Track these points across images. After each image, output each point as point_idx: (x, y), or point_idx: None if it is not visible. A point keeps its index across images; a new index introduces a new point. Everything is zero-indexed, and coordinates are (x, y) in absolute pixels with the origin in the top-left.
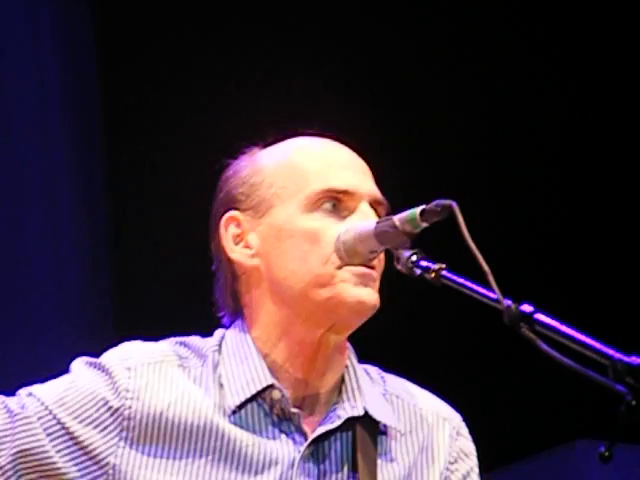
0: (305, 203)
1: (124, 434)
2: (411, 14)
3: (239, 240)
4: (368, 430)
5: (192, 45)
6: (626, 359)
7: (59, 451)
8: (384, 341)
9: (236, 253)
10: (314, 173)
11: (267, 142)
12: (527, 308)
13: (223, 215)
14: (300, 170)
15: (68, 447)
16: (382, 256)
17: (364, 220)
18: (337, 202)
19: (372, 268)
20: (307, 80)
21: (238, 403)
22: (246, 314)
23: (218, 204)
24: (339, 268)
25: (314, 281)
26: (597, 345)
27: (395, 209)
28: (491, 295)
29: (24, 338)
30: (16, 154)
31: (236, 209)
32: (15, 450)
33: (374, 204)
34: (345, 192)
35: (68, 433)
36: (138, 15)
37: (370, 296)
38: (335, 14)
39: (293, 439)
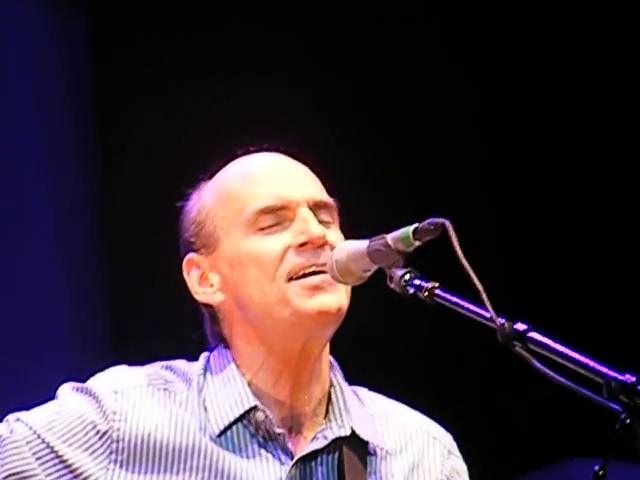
0: (245, 226)
1: (113, 456)
2: (393, 27)
3: (202, 281)
4: (356, 450)
5: (174, 50)
6: (620, 377)
7: (49, 475)
8: (372, 362)
9: (200, 295)
10: (246, 196)
11: (211, 173)
12: (521, 326)
13: (182, 261)
14: (233, 196)
15: (58, 470)
16: (336, 241)
17: (305, 225)
18: (276, 216)
19: (320, 273)
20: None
21: (222, 427)
22: (230, 346)
23: (180, 249)
24: (288, 281)
25: (271, 301)
26: (591, 363)
27: (388, 228)
28: (485, 313)
29: (18, 358)
30: (21, 177)
31: (192, 251)
32: (5, 474)
33: (314, 207)
34: (282, 208)
35: (57, 457)
36: (131, 15)
37: (330, 301)
38: (315, 31)
39: (279, 459)
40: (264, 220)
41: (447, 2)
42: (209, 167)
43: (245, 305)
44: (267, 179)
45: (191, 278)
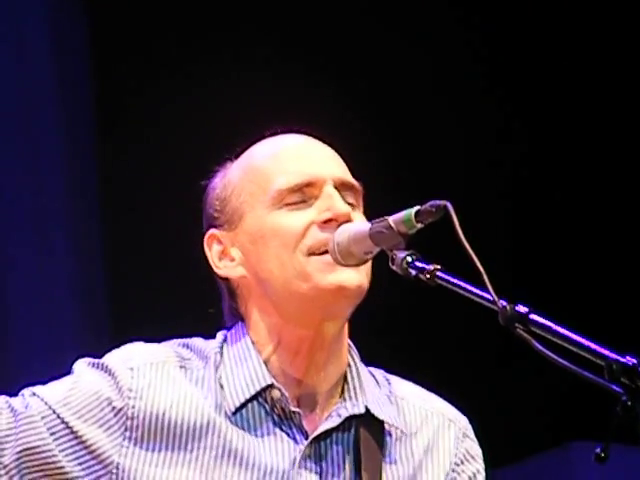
0: (270, 201)
1: (128, 433)
2: (402, 14)
3: (223, 256)
4: (371, 429)
5: (183, 46)
6: (621, 359)
7: (63, 450)
8: (383, 343)
9: (221, 269)
10: (274, 172)
11: (237, 153)
12: (522, 309)
13: (205, 235)
14: (261, 173)
15: (72, 446)
16: (358, 218)
17: (330, 202)
18: (302, 193)
19: None
20: (298, 80)
21: (238, 404)
22: (247, 321)
23: (203, 226)
24: (308, 256)
25: (291, 275)
26: (592, 345)
27: (389, 210)
28: (486, 296)
29: (21, 340)
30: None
31: (214, 227)
32: (19, 449)
33: (341, 187)
34: (308, 184)
35: (72, 432)
36: (131, 16)
37: (351, 277)
38: (326, 15)
39: (294, 438)
40: (290, 196)
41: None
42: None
43: (264, 279)
44: (295, 157)
45: (212, 253)
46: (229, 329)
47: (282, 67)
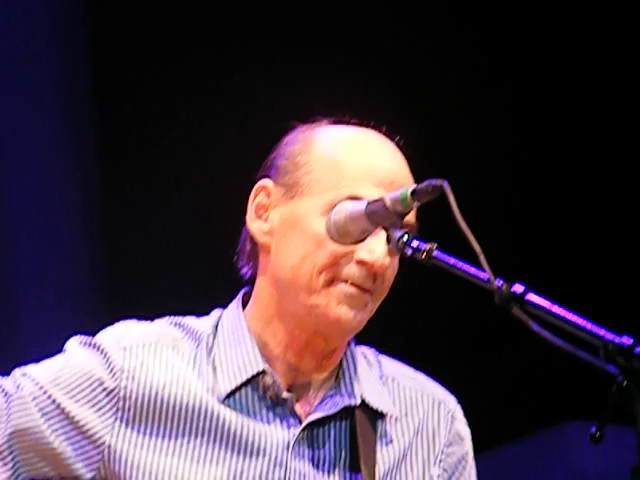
0: (328, 204)
1: (119, 414)
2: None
3: (263, 211)
4: (365, 417)
5: (190, 38)
6: (617, 339)
7: (54, 430)
8: (376, 323)
9: (254, 224)
10: (349, 179)
11: (335, 120)
12: (518, 288)
13: (260, 179)
14: (339, 170)
15: (63, 427)
16: (389, 274)
17: (377, 247)
18: None
19: (367, 291)
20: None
21: (230, 389)
22: (255, 286)
23: (265, 165)
24: (331, 282)
25: (306, 284)
26: (588, 326)
27: None
28: (482, 275)
29: (14, 317)
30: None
31: (273, 179)
32: (10, 430)
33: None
34: None
35: (63, 413)
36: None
37: (350, 319)
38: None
39: (287, 423)
40: None
41: None
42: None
43: (281, 267)
44: (375, 175)
45: (255, 201)
46: (224, 307)
47: (286, 69)
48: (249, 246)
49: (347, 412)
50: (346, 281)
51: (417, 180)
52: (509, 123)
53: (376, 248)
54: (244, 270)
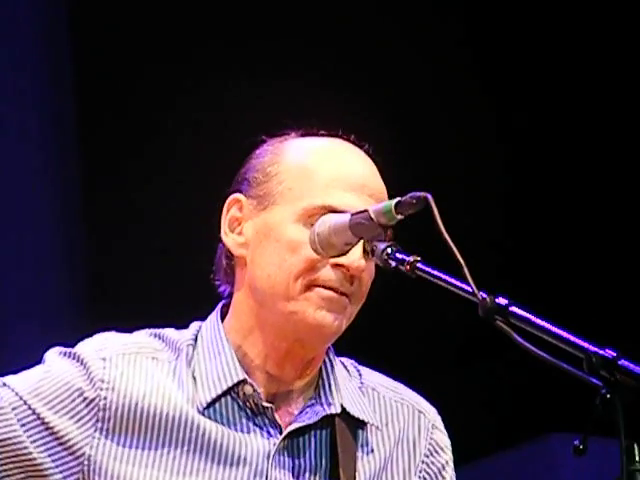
0: (301, 213)
1: (99, 425)
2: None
3: (236, 225)
4: (345, 426)
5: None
6: (600, 352)
7: (34, 441)
8: (359, 334)
9: (228, 237)
10: (321, 186)
11: (302, 132)
12: (502, 301)
13: (232, 194)
14: (310, 178)
15: (43, 437)
16: (366, 278)
17: (352, 250)
18: None
19: (344, 295)
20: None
21: (209, 399)
22: (233, 298)
23: (236, 179)
24: (308, 287)
25: (283, 292)
26: (572, 338)
27: None
28: (466, 287)
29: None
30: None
31: (245, 192)
32: None
33: None
34: (342, 212)
35: (43, 423)
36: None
37: (329, 324)
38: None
39: (268, 432)
40: (318, 219)
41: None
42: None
43: (259, 278)
44: (347, 182)
45: (228, 215)
46: (203, 319)
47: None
48: (225, 262)
49: (327, 421)
50: (323, 286)
51: (390, 186)
52: (493, 135)
53: (352, 252)
54: (222, 288)
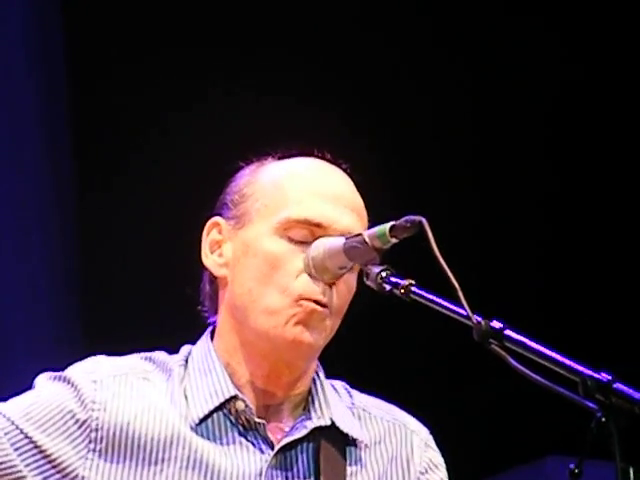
0: (277, 227)
1: (92, 446)
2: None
3: (217, 247)
4: (335, 441)
5: (176, 48)
6: (596, 375)
7: (28, 465)
8: (354, 357)
9: (209, 260)
10: (295, 200)
11: (279, 155)
12: (497, 324)
13: (210, 218)
14: (284, 193)
15: (36, 461)
16: (343, 289)
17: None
18: (309, 232)
19: (324, 306)
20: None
21: (202, 415)
22: (217, 320)
23: (216, 206)
24: (291, 300)
25: (265, 306)
26: (567, 362)
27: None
28: (461, 311)
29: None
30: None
31: (223, 215)
32: None
33: None
34: (318, 225)
35: (36, 447)
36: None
37: (306, 337)
38: (324, 29)
39: (260, 449)
40: (296, 232)
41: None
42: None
43: (240, 294)
44: (321, 194)
45: (207, 239)
46: (194, 343)
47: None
48: (209, 287)
49: (317, 435)
50: (303, 298)
51: (377, 208)
52: (484, 155)
53: None
54: (209, 315)
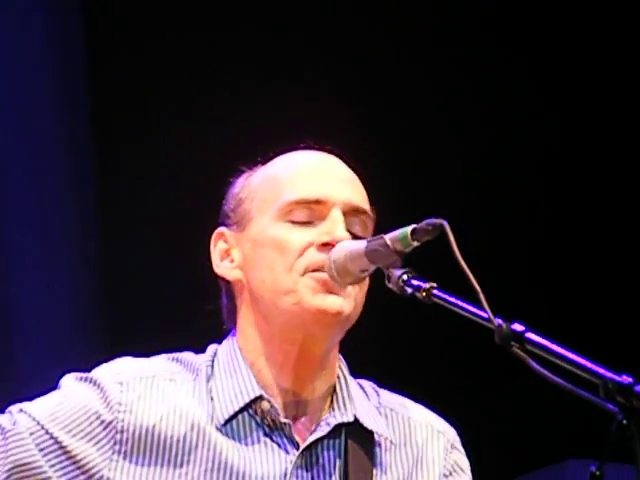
0: (277, 213)
1: (117, 447)
2: (404, 20)
3: (226, 255)
4: (360, 438)
5: (184, 51)
6: (617, 378)
7: (52, 466)
8: (381, 357)
9: (220, 267)
10: (289, 184)
11: (267, 158)
12: (518, 327)
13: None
14: (277, 182)
15: (61, 462)
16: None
17: (332, 227)
18: (310, 211)
19: None
20: (299, 92)
21: (227, 416)
22: (238, 326)
23: (218, 221)
24: (302, 275)
25: (280, 289)
26: (588, 364)
27: (386, 228)
28: (482, 314)
29: (11, 355)
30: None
31: (225, 225)
32: (9, 467)
33: (350, 212)
34: (316, 201)
35: (61, 447)
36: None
37: (332, 304)
38: (331, 28)
39: (285, 449)
40: (297, 214)
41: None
42: (203, 172)
43: (256, 287)
44: (311, 173)
45: (216, 250)
46: (220, 342)
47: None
48: (227, 300)
49: (341, 432)
50: (310, 270)
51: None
52: (493, 157)
53: (335, 229)
54: (231, 328)
